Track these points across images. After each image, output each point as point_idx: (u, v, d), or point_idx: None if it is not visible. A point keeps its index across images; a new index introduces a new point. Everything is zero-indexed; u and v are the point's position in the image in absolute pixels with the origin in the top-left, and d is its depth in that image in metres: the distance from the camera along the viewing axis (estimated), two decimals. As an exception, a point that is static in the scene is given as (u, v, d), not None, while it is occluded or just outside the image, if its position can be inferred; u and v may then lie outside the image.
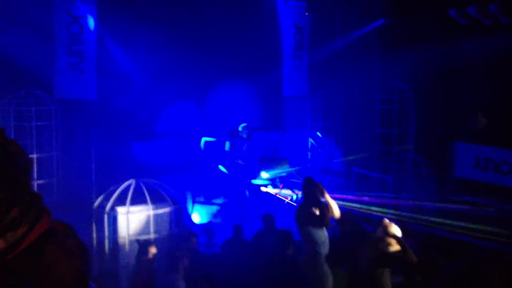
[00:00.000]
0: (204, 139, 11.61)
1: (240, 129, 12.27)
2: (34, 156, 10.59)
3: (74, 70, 11.29)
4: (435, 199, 11.87)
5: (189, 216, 10.94)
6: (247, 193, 11.50)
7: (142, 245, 7.86)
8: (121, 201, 8.71)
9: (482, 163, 12.72)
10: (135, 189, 8.81)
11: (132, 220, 8.69)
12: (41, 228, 1.56)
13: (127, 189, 8.78)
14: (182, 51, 12.55)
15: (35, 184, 10.63)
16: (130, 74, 12.30)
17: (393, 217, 10.20)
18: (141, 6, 12.16)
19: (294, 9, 13.65)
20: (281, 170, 12.31)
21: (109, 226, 8.71)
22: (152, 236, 8.62)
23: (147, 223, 8.76)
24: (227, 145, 12.26)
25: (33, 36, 10.66)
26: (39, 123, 10.81)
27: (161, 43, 12.20)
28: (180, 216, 9.27)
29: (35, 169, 10.59)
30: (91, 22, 11.29)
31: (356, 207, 11.61)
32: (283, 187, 12.07)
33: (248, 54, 13.50)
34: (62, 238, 1.67)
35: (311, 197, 7.69)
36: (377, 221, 7.99)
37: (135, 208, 8.72)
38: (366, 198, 11.85)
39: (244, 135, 12.29)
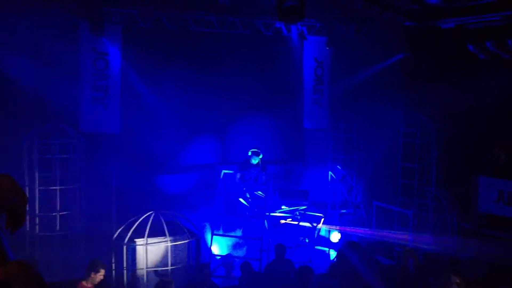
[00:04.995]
0: (224, 172, 11.72)
1: (249, 153, 12.33)
2: (58, 188, 10.85)
3: (99, 104, 11.63)
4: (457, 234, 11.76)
5: (208, 248, 10.99)
6: (266, 225, 11.53)
7: (162, 283, 7.84)
8: (140, 232, 8.86)
9: (506, 197, 12.56)
10: (154, 221, 8.95)
11: (150, 251, 8.82)
12: None
13: (146, 220, 8.93)
14: (204, 85, 12.77)
15: (58, 216, 10.88)
16: (153, 107, 12.53)
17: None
18: (165, 41, 12.43)
19: (315, 44, 13.85)
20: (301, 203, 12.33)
21: (127, 257, 8.86)
22: (169, 267, 8.73)
23: (165, 254, 8.89)
24: (238, 176, 12.34)
25: (59, 72, 10.97)
26: (64, 156, 11.08)
27: (183, 77, 12.44)
28: (198, 248, 9.36)
29: (58, 201, 10.85)
30: (116, 58, 11.64)
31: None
32: (302, 220, 12.11)
33: (270, 88, 13.69)
34: None
35: None
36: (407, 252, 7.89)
37: (153, 240, 8.86)
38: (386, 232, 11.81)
39: (255, 161, 12.31)
